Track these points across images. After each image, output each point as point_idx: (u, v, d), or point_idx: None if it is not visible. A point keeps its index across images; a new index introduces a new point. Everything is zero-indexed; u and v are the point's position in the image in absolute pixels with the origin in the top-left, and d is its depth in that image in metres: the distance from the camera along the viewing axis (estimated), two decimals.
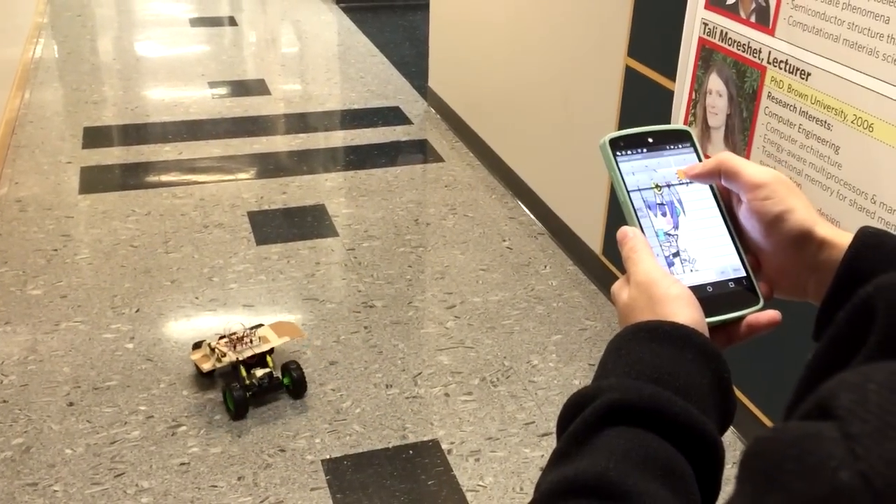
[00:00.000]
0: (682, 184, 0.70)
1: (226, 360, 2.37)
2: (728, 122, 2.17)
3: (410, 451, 2.27)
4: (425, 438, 2.31)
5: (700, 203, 0.70)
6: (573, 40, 3.01)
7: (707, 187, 0.70)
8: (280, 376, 2.41)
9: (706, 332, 0.61)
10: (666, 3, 2.41)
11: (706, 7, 2.18)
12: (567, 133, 3.14)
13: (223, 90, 4.71)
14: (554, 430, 0.59)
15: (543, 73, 3.25)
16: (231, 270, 3.02)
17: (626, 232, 0.67)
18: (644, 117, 2.61)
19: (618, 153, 0.69)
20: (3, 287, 2.88)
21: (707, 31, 2.19)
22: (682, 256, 0.67)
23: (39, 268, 2.99)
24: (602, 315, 2.87)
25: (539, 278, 3.06)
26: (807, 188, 1.91)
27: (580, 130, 3.04)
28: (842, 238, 0.63)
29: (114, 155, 3.90)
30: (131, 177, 3.71)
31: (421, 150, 4.09)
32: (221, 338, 2.43)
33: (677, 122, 2.37)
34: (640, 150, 0.70)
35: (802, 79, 1.89)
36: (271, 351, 2.45)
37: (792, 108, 1.94)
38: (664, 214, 0.69)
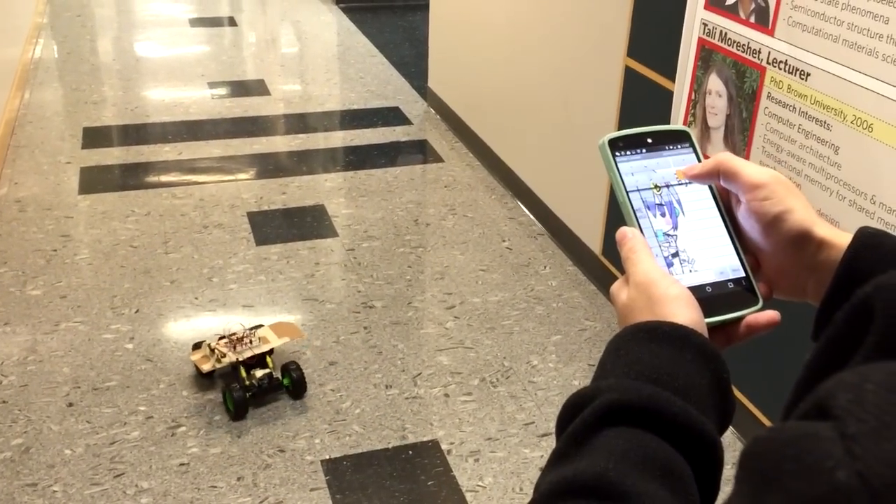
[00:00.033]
0: (682, 184, 0.70)
1: (226, 360, 2.37)
2: (728, 122, 2.17)
3: (410, 452, 2.27)
4: (425, 439, 2.31)
5: (699, 203, 0.70)
6: (573, 41, 3.01)
7: (706, 188, 0.70)
8: (280, 377, 2.41)
9: (705, 333, 0.61)
10: (666, 4, 2.41)
11: (706, 7, 2.18)
12: (567, 133, 3.14)
13: (223, 90, 4.71)
14: (553, 430, 0.59)
15: (543, 73, 3.25)
16: (231, 271, 3.02)
17: (626, 232, 0.67)
18: (644, 118, 2.61)
19: (617, 153, 0.69)
20: (3, 287, 2.88)
21: (707, 31, 2.19)
22: (682, 257, 0.67)
23: (39, 268, 2.99)
24: (602, 315, 2.87)
25: (539, 279, 3.06)
26: (806, 188, 1.91)
27: (580, 131, 3.05)
28: (841, 238, 0.63)
29: (113, 155, 3.90)
30: (131, 177, 3.71)
31: (420, 151, 4.09)
32: (221, 338, 2.44)
33: (677, 123, 2.37)
34: (639, 151, 0.70)
35: (802, 79, 1.89)
36: (271, 351, 2.45)
37: (791, 108, 1.94)
38: (663, 215, 0.69)
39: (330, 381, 2.50)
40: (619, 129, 0.83)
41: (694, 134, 0.73)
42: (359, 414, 2.39)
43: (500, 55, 3.61)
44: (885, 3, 1.66)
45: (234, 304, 2.84)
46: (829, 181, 1.86)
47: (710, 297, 0.66)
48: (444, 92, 4.33)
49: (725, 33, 2.12)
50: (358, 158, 3.97)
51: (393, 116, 4.42)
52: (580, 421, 0.55)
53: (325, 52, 5.55)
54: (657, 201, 0.69)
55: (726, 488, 0.43)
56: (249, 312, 2.80)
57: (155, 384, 2.46)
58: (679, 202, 0.69)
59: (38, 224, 3.28)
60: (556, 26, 3.11)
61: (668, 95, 2.41)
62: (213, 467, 2.19)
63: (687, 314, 0.61)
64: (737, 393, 2.25)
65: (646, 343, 0.59)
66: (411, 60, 5.22)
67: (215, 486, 2.13)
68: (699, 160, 0.71)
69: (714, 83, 2.19)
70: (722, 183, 0.68)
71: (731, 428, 2.29)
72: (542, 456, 2.27)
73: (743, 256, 0.68)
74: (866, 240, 0.61)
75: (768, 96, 2.01)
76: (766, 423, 2.24)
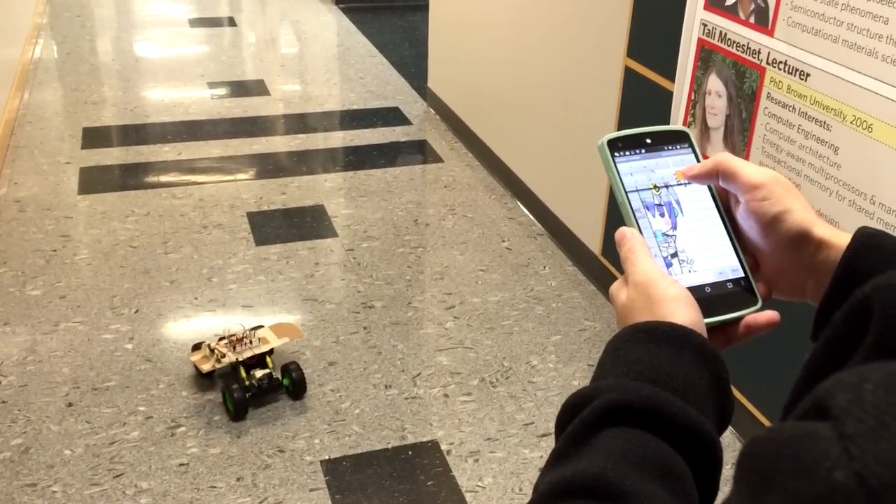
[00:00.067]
0: (681, 184, 0.70)
1: (225, 360, 2.37)
2: (727, 122, 2.17)
3: (409, 452, 2.27)
4: (424, 439, 2.31)
5: (698, 204, 0.70)
6: (573, 41, 3.01)
7: (705, 188, 0.70)
8: (280, 377, 2.41)
9: (704, 333, 0.61)
10: (665, 4, 2.41)
11: (705, 8, 2.18)
12: (566, 134, 3.14)
13: (222, 91, 4.71)
14: (552, 430, 0.59)
15: (543, 73, 3.25)
16: (230, 271, 3.02)
17: (625, 233, 0.67)
18: (643, 118, 2.61)
19: (616, 154, 0.70)
20: (2, 287, 2.88)
21: (706, 31, 2.19)
22: (681, 257, 0.67)
23: (38, 268, 2.99)
24: (601, 316, 2.87)
25: (538, 279, 3.06)
26: (806, 189, 1.91)
27: (580, 131, 3.05)
28: (840, 239, 0.63)
29: (113, 155, 3.90)
30: (130, 177, 3.71)
31: (420, 151, 4.09)
32: (221, 339, 2.43)
33: (676, 123, 2.37)
34: (638, 151, 0.70)
35: (802, 79, 1.89)
36: (271, 352, 2.45)
37: (791, 108, 1.94)
38: (662, 215, 0.69)
39: (329, 382, 2.50)
40: (619, 129, 0.83)
41: (693, 134, 0.73)
42: (358, 414, 2.39)
43: (499, 55, 3.61)
44: (884, 3, 1.66)
45: (234, 305, 2.84)
46: (829, 181, 1.86)
47: (709, 297, 0.66)
48: (444, 92, 4.33)
49: (725, 34, 2.12)
50: (357, 159, 3.97)
51: (393, 117, 4.42)
52: (579, 421, 0.55)
53: (325, 53, 5.55)
54: (656, 202, 0.69)
55: (725, 488, 0.43)
56: (249, 312, 2.80)
57: (154, 384, 2.46)
58: (678, 202, 0.69)
59: (37, 224, 3.28)
60: (556, 26, 3.11)
61: (668, 96, 2.41)
62: (212, 467, 2.19)
63: (686, 314, 0.61)
64: (736, 393, 2.25)
65: (645, 343, 0.59)
66: (411, 61, 5.22)
67: (215, 487, 2.13)
68: (698, 160, 0.71)
69: (714, 83, 2.19)
70: (721, 183, 0.68)
71: (730, 428, 2.29)
72: (541, 456, 2.27)
73: (742, 257, 0.68)
74: (866, 240, 0.61)
75: (768, 97, 2.01)
76: (766, 423, 2.24)
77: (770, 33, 1.97)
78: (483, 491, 2.16)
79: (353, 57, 5.35)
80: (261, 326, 2.52)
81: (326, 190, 3.65)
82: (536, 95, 3.33)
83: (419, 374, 2.55)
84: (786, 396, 0.52)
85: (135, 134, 4.15)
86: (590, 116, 2.95)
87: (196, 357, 2.45)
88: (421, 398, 2.46)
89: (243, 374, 2.37)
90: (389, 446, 2.28)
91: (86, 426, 2.30)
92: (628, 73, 2.66)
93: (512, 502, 2.13)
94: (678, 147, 0.71)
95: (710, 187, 0.70)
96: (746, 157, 2.08)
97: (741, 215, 0.68)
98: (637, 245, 0.66)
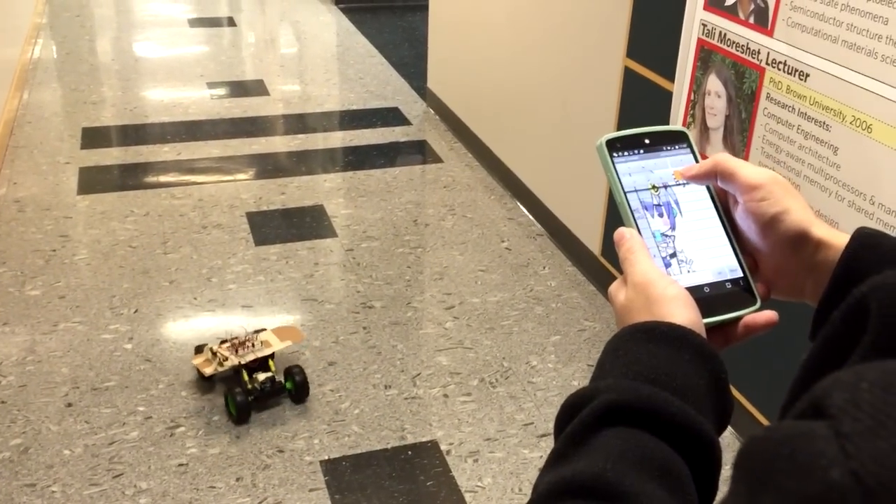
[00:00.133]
0: (679, 185, 0.70)
1: (228, 364, 2.36)
2: (727, 123, 2.17)
3: (409, 452, 2.27)
4: (424, 439, 2.31)
5: (697, 204, 0.70)
6: (572, 41, 3.01)
7: (704, 188, 0.70)
8: (282, 380, 2.40)
9: (703, 333, 0.61)
10: (665, 4, 2.41)
11: (705, 8, 2.18)
12: (566, 134, 3.14)
13: (222, 91, 4.71)
14: (552, 430, 0.59)
15: (542, 74, 3.25)
16: (230, 271, 3.02)
17: (623, 233, 0.67)
18: (643, 118, 2.61)
19: (614, 154, 0.70)
20: (2, 287, 2.88)
21: (706, 32, 2.19)
22: (679, 257, 0.68)
23: (38, 268, 2.99)
24: (601, 316, 2.88)
25: (538, 279, 3.06)
26: (805, 189, 1.91)
27: (579, 131, 3.05)
28: (838, 239, 0.63)
29: (112, 155, 3.90)
30: (130, 177, 3.71)
31: (420, 151, 4.09)
32: (223, 342, 2.43)
33: (676, 124, 2.37)
34: (636, 151, 0.70)
35: (801, 80, 1.89)
36: (272, 355, 2.44)
37: (791, 109, 1.94)
38: (661, 215, 0.69)
39: (329, 382, 2.50)
40: (618, 129, 0.83)
41: (692, 135, 0.73)
42: (358, 414, 2.39)
43: (499, 56, 3.61)
44: (884, 3, 1.66)
45: (233, 305, 2.84)
46: (828, 182, 1.86)
47: (708, 297, 0.66)
48: (444, 92, 4.33)
49: (725, 34, 2.12)
50: (357, 159, 3.97)
51: (392, 117, 4.42)
52: (578, 421, 0.55)
53: (325, 53, 5.55)
54: (655, 202, 0.69)
55: (724, 488, 0.43)
56: (248, 313, 2.80)
57: (154, 384, 2.46)
58: (677, 203, 0.69)
59: (36, 224, 3.28)
60: (556, 27, 3.11)
61: (668, 96, 2.41)
62: (211, 468, 2.19)
63: (685, 314, 0.61)
64: (735, 393, 2.25)
65: (644, 343, 0.59)
66: (410, 61, 5.22)
67: (214, 487, 2.13)
68: (697, 161, 0.71)
69: (713, 84, 2.20)
70: (719, 183, 0.69)
71: (729, 428, 2.30)
72: (541, 456, 2.27)
73: (741, 257, 0.68)
74: (864, 240, 0.61)
75: (767, 97, 2.01)
76: (765, 422, 2.24)
77: (770, 34, 1.97)
78: (482, 491, 2.16)
79: (352, 57, 5.35)
80: (263, 329, 2.52)
81: (326, 190, 3.65)
82: (536, 96, 3.33)
83: (419, 375, 2.55)
84: (784, 396, 0.52)
85: (134, 134, 4.15)
86: (589, 117, 2.95)
87: (198, 360, 2.43)
88: (420, 398, 2.46)
89: (246, 377, 2.36)
90: (389, 446, 2.28)
91: (85, 426, 2.30)
92: (628, 73, 2.66)
93: (511, 502, 2.13)
94: (677, 147, 0.71)
95: (708, 188, 0.70)
96: (746, 158, 2.08)
97: (740, 215, 0.68)
98: (636, 245, 0.66)
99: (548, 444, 2.30)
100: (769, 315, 0.66)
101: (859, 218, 1.78)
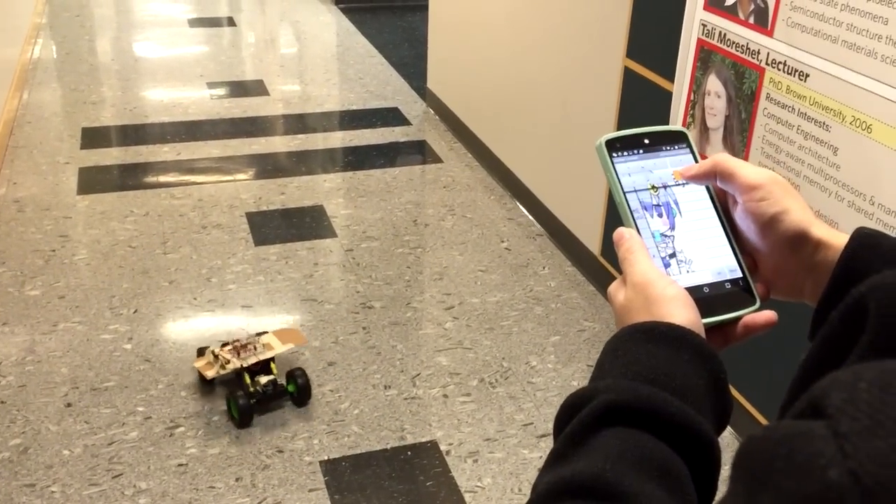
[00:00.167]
0: (679, 185, 0.70)
1: (230, 366, 2.35)
2: (726, 123, 2.17)
3: (409, 452, 2.27)
4: (424, 439, 2.31)
5: (696, 204, 0.70)
6: (572, 41, 3.01)
7: (703, 188, 0.70)
8: (284, 383, 2.40)
9: (702, 333, 0.61)
10: (665, 4, 2.41)
11: (705, 8, 2.18)
12: (566, 134, 3.14)
13: (222, 91, 4.71)
14: (552, 431, 0.59)
15: (542, 74, 3.25)
16: (229, 271, 3.02)
17: (623, 233, 0.67)
18: (643, 118, 2.61)
19: (614, 154, 0.70)
20: (1, 287, 2.88)
21: (706, 32, 2.19)
22: (679, 257, 0.67)
23: (37, 268, 2.99)
24: (600, 316, 2.88)
25: (538, 279, 3.06)
26: (805, 189, 1.91)
27: (579, 131, 3.05)
28: (838, 239, 0.63)
29: (112, 155, 3.90)
30: (130, 177, 3.71)
31: (419, 151, 4.09)
32: (225, 345, 2.42)
33: (676, 124, 2.37)
34: (636, 152, 0.70)
35: (801, 80, 1.89)
36: (274, 358, 2.43)
37: (790, 109, 1.94)
38: (660, 215, 0.69)
39: (329, 382, 2.50)
40: (618, 129, 0.83)
41: (691, 135, 0.73)
42: (357, 414, 2.39)
43: (499, 56, 3.61)
44: (884, 4, 1.66)
45: (233, 305, 2.84)
46: (828, 182, 1.86)
47: (707, 297, 0.66)
48: (443, 92, 4.33)
49: (724, 34, 2.12)
50: (357, 159, 3.97)
51: (392, 117, 4.42)
52: (578, 421, 0.55)
53: (325, 53, 5.55)
54: (654, 202, 0.69)
55: (724, 488, 0.43)
56: (248, 313, 2.80)
57: (153, 384, 2.46)
58: (676, 203, 0.69)
59: (36, 224, 3.28)
60: (556, 27, 3.11)
61: (667, 96, 2.41)
62: (211, 468, 2.19)
63: (684, 314, 0.61)
64: (734, 393, 2.25)
65: (643, 343, 0.59)
66: (410, 61, 5.22)
67: (214, 487, 2.13)
68: (696, 161, 0.71)
69: (713, 84, 2.20)
70: (719, 184, 0.69)
71: (729, 428, 2.30)
72: (540, 457, 2.27)
73: (740, 257, 0.68)
74: (864, 240, 0.61)
75: (767, 97, 2.01)
76: (764, 422, 2.24)
77: (769, 34, 1.97)
78: (482, 491, 2.16)
79: (352, 57, 5.35)
80: (265, 332, 2.51)
81: (326, 190, 3.65)
82: (536, 96, 3.33)
83: (418, 375, 2.55)
84: (783, 396, 0.52)
85: (134, 134, 4.15)
86: (589, 117, 2.95)
87: (200, 363, 2.43)
88: (420, 398, 2.46)
89: (248, 380, 2.35)
90: (388, 447, 2.28)
91: (84, 426, 2.30)
92: (628, 73, 2.66)
93: (511, 503, 2.13)
94: (676, 147, 0.71)
95: (708, 188, 0.70)
96: (746, 158, 2.08)
97: (739, 216, 0.68)
98: (635, 245, 0.66)
99: (547, 445, 2.30)
100: (768, 315, 0.66)
101: (859, 218, 1.78)
